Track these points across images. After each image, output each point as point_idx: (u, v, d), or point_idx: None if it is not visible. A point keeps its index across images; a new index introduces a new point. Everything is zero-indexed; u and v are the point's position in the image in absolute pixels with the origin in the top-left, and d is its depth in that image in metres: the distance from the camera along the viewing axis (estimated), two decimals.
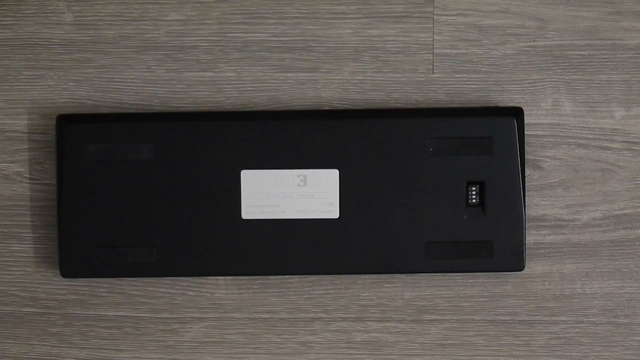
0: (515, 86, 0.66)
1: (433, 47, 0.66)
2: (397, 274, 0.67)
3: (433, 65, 0.67)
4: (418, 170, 0.64)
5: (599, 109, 0.67)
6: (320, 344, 0.67)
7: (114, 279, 0.67)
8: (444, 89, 0.66)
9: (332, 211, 0.65)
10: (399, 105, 0.66)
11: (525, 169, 0.66)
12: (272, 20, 0.66)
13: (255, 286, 0.67)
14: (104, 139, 0.64)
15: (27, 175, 0.67)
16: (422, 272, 0.65)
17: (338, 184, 0.64)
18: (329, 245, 0.64)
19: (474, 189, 0.64)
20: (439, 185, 0.64)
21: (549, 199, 0.67)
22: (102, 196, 0.64)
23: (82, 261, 0.65)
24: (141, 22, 0.67)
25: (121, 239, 0.64)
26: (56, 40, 0.67)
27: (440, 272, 0.66)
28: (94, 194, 0.64)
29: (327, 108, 0.67)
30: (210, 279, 0.67)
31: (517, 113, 0.64)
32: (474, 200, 0.65)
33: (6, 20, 0.67)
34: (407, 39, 0.66)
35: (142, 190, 0.64)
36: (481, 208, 0.64)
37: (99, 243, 0.64)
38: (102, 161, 0.64)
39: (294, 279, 0.67)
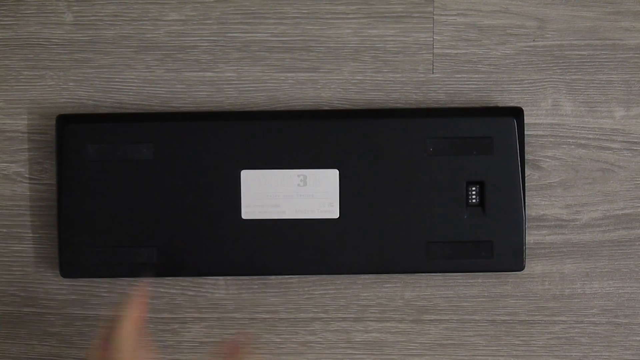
0: (515, 86, 0.66)
1: (433, 47, 0.66)
2: (397, 274, 0.67)
3: (433, 65, 0.67)
4: (418, 170, 0.64)
5: (599, 109, 0.66)
6: (320, 344, 0.67)
7: (114, 279, 0.67)
8: (444, 89, 0.66)
9: (332, 211, 0.65)
10: (399, 105, 0.66)
11: (525, 169, 0.66)
12: (272, 20, 0.66)
13: (255, 286, 0.67)
14: (104, 139, 0.64)
15: (27, 175, 0.67)
16: (422, 272, 0.65)
17: (338, 184, 0.64)
18: (329, 245, 0.64)
19: (474, 189, 0.64)
20: (439, 185, 0.64)
21: (549, 199, 0.67)
22: (102, 196, 0.64)
23: (82, 261, 0.65)
24: (141, 22, 0.67)
25: (121, 239, 0.64)
26: (56, 40, 0.67)
27: (440, 272, 0.66)
28: (94, 194, 0.64)
29: (327, 108, 0.67)
30: (210, 279, 0.67)
31: (517, 113, 0.64)
32: (474, 200, 0.65)
33: (6, 20, 0.67)
34: (407, 39, 0.66)
35: (142, 190, 0.64)
36: (481, 208, 0.64)
37: (99, 243, 0.64)
38: (102, 161, 0.64)
39: (294, 279, 0.67)
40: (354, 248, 0.64)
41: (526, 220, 0.65)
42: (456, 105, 0.66)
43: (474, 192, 0.64)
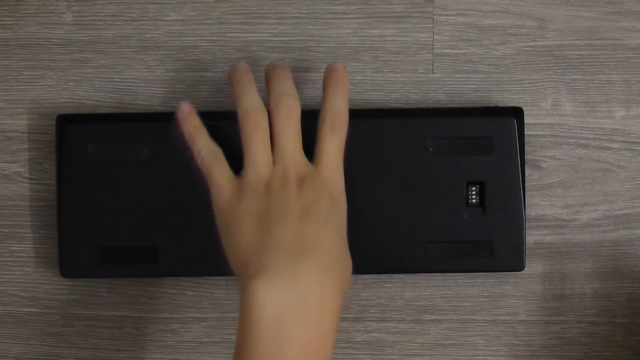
0: (515, 86, 0.66)
1: (433, 47, 0.66)
2: (397, 274, 0.67)
3: (433, 65, 0.66)
4: (418, 170, 0.64)
5: (599, 109, 0.66)
6: None
7: (114, 279, 0.67)
8: (444, 89, 0.66)
9: None
10: (399, 105, 0.66)
11: (525, 169, 0.66)
12: (272, 20, 0.66)
13: None
14: (104, 139, 0.64)
15: (27, 175, 0.67)
16: (422, 272, 0.65)
17: None
18: None
19: (474, 189, 0.64)
20: (439, 185, 0.64)
21: (549, 199, 0.67)
22: (102, 196, 0.64)
23: (82, 261, 0.65)
24: (141, 22, 0.67)
25: (121, 239, 0.64)
26: (56, 40, 0.67)
27: (440, 272, 0.66)
28: (94, 194, 0.64)
29: None
30: (210, 279, 0.67)
31: (517, 113, 0.64)
32: (474, 200, 0.65)
33: (6, 20, 0.67)
34: (407, 39, 0.66)
35: (142, 190, 0.64)
36: (481, 208, 0.64)
37: (99, 243, 0.64)
38: (102, 161, 0.64)
39: None
40: (354, 248, 0.64)
41: (526, 220, 0.65)
42: (456, 105, 0.66)
43: (474, 192, 0.64)
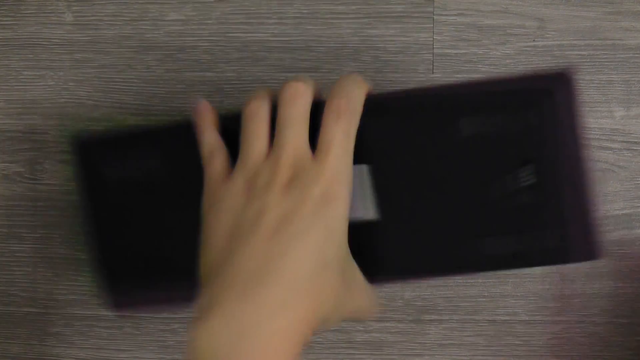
0: None
1: (433, 47, 0.66)
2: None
3: (433, 65, 0.67)
4: (454, 156, 0.54)
5: (599, 109, 0.67)
6: (320, 344, 0.67)
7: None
8: None
9: (367, 213, 0.56)
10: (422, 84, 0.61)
11: None
12: (272, 20, 0.67)
13: None
14: (121, 159, 0.58)
15: (27, 175, 0.67)
16: (483, 270, 0.56)
17: (370, 181, 0.56)
18: (369, 249, 0.56)
19: (524, 170, 0.54)
20: (485, 170, 0.54)
21: None
22: (132, 217, 0.58)
23: (130, 290, 0.59)
24: (141, 22, 0.67)
25: (161, 262, 0.58)
26: (56, 40, 0.67)
27: (508, 269, 0.56)
28: (125, 216, 0.58)
29: None
30: None
31: (565, 78, 0.54)
32: (527, 183, 0.54)
33: (6, 20, 0.67)
34: (407, 39, 0.66)
35: (167, 207, 0.58)
36: (538, 192, 0.54)
37: (142, 268, 0.58)
38: (125, 181, 0.58)
39: None
40: (398, 251, 0.56)
41: (595, 201, 0.57)
42: (491, 76, 0.61)
43: (525, 174, 0.55)
